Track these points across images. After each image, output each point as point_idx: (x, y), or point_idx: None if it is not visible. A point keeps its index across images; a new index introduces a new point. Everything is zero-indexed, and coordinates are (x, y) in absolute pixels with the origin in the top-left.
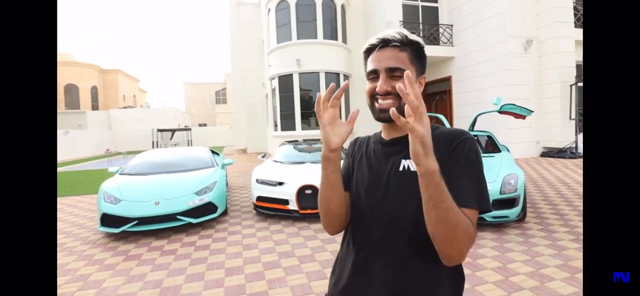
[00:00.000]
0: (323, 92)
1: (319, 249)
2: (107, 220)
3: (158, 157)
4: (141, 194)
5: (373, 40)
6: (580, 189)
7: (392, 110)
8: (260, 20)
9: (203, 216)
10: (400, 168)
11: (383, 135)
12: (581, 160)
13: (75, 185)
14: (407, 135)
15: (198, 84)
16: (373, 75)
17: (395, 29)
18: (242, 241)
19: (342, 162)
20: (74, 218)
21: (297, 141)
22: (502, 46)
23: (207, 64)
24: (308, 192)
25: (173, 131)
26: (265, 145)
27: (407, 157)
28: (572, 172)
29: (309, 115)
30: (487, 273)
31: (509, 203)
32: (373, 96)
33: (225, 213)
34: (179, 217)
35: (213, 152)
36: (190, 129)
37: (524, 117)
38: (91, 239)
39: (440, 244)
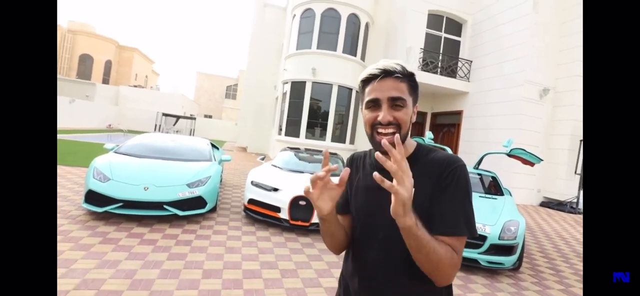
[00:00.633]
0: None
1: (304, 265)
2: (92, 197)
3: (157, 141)
4: (131, 176)
5: (373, 70)
6: (579, 248)
7: (376, 175)
8: (283, 23)
9: (191, 210)
10: None
11: None
12: (581, 216)
13: (68, 156)
14: None
15: (211, 76)
16: (373, 104)
17: (393, 60)
18: (225, 242)
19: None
20: (59, 189)
21: (299, 149)
22: (519, 90)
23: (222, 58)
24: (302, 203)
25: (177, 117)
26: (267, 147)
27: None
28: (571, 227)
29: (315, 125)
30: None
31: (507, 250)
32: (373, 125)
33: (214, 210)
34: (166, 206)
35: (213, 145)
36: (194, 118)
37: (532, 164)
38: (72, 214)
39: (427, 274)
